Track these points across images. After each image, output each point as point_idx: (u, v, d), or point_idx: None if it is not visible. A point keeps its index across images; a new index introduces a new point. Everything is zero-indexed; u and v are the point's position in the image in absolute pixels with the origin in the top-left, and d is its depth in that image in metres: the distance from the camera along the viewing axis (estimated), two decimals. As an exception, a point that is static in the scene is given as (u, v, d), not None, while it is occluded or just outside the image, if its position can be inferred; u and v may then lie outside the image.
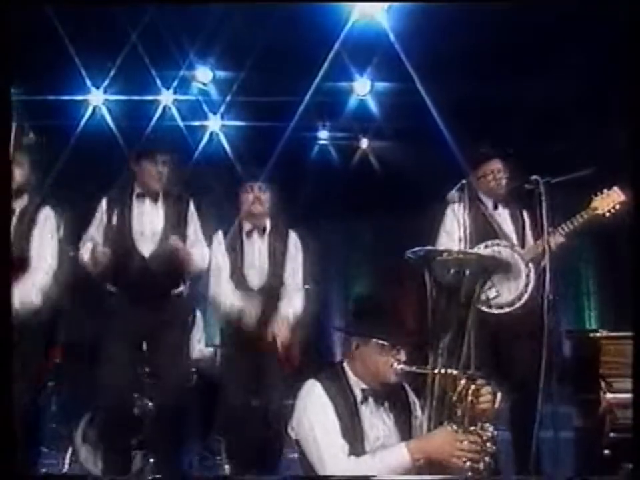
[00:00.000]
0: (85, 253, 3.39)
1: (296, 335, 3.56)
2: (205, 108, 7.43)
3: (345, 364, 2.55)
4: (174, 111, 7.23)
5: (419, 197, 6.65)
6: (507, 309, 3.32)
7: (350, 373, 2.51)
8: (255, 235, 3.63)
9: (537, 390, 2.99)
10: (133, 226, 3.47)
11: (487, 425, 2.41)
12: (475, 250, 3.30)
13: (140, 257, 3.45)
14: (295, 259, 3.67)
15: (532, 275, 3.34)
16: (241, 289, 3.57)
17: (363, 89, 7.22)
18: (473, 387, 2.41)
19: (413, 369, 2.45)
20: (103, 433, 3.53)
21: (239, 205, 3.69)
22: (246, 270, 3.61)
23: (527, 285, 3.35)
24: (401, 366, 2.44)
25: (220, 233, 3.65)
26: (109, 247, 3.36)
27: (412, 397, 2.62)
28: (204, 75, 7.17)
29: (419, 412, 2.60)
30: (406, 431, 2.54)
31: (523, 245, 3.51)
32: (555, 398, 3.04)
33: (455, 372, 2.39)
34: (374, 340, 2.45)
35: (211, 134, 7.55)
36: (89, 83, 6.91)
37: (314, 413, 2.41)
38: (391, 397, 2.55)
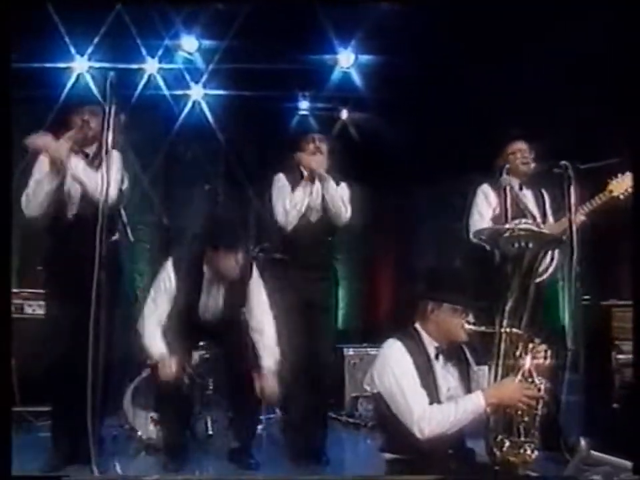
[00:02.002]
0: None
1: None
2: (188, 77, 7.68)
3: (417, 325, 3.03)
4: (159, 79, 7.49)
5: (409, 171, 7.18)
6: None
7: (423, 333, 3.00)
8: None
9: (565, 351, 3.53)
10: None
11: (540, 377, 2.95)
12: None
13: None
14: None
15: (556, 250, 3.90)
16: None
17: (347, 61, 7.59)
18: (531, 344, 2.94)
19: (482, 328, 2.97)
20: (163, 399, 3.93)
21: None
22: None
23: (552, 259, 3.92)
24: (471, 326, 2.96)
25: None
26: None
27: (469, 354, 3.14)
28: (189, 44, 7.43)
29: (475, 367, 3.13)
30: (467, 383, 3.06)
31: (544, 223, 4.05)
32: (578, 358, 3.61)
33: (518, 331, 2.92)
34: (447, 304, 2.95)
35: (194, 103, 7.80)
36: (73, 50, 7.11)
37: (398, 367, 2.88)
38: (455, 354, 3.06)
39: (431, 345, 2.99)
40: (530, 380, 2.90)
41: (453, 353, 3.05)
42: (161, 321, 3.79)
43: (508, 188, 3.67)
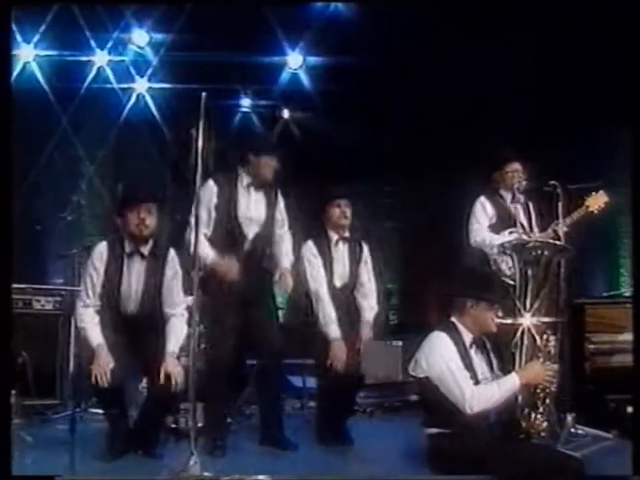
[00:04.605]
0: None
1: None
2: (133, 70, 8.27)
3: (453, 319, 3.92)
4: (108, 71, 8.05)
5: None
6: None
7: (460, 326, 3.89)
8: (341, 243, 4.86)
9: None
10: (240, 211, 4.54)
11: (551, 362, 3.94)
12: (501, 236, 4.84)
13: (244, 238, 4.53)
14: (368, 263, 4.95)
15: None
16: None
17: (295, 62, 8.38)
18: (545, 335, 3.93)
19: (509, 321, 3.93)
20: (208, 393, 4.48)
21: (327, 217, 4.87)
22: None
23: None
24: (500, 320, 3.90)
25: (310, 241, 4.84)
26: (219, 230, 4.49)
27: (488, 344, 4.09)
28: (140, 37, 8.02)
29: (492, 354, 4.08)
30: (490, 367, 3.99)
31: (531, 232, 5.06)
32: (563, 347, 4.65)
33: (537, 323, 3.91)
34: (484, 301, 3.86)
35: (138, 96, 8.38)
36: (19, 37, 7.56)
37: (447, 354, 3.75)
38: (482, 343, 4.00)
39: (467, 336, 3.88)
40: (547, 363, 3.89)
41: (480, 342, 3.98)
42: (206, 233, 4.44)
43: (517, 204, 4.68)
